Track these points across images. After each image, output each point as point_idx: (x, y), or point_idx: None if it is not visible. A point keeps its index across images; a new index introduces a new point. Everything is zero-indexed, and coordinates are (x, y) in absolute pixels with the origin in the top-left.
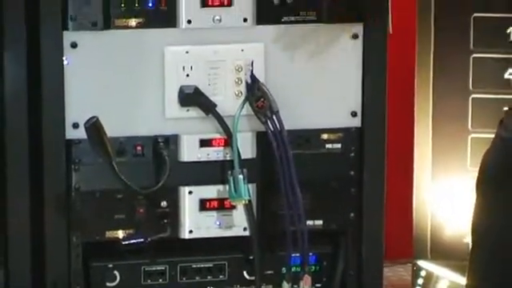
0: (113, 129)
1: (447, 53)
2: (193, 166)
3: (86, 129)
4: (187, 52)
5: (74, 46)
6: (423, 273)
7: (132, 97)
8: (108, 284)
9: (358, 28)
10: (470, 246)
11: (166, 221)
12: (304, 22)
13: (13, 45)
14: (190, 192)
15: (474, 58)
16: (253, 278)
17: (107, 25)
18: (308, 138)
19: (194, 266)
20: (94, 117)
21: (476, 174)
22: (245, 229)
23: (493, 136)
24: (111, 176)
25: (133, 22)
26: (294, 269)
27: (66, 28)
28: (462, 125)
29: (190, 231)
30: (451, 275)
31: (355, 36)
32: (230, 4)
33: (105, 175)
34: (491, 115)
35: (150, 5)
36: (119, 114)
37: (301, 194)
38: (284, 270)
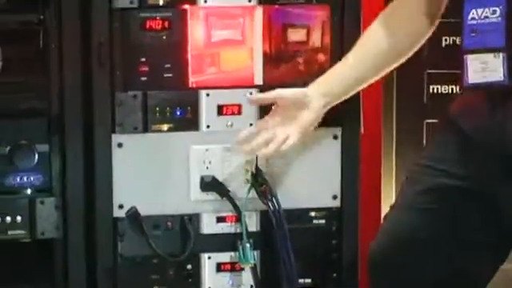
0: (149, 209)
1: (405, 150)
2: (211, 238)
3: (127, 216)
4: (207, 150)
5: (120, 145)
6: None
7: (164, 184)
8: None
9: (338, 130)
10: None
11: (190, 280)
12: None
13: (72, 144)
14: (209, 257)
15: None
16: None
17: (145, 129)
18: (299, 215)
19: None
20: (133, 207)
21: None
22: (251, 286)
23: None
24: (148, 246)
25: (165, 126)
26: None
27: (114, 131)
28: None
29: None
30: None
31: (335, 137)
32: (239, 113)
33: (143, 245)
34: None
35: (178, 113)
36: (154, 197)
37: (294, 258)
38: None
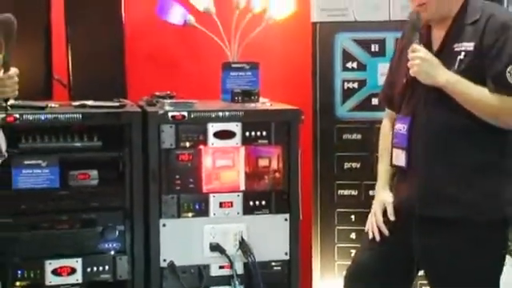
0: (180, 261)
1: (325, 227)
2: (216, 278)
3: (168, 266)
4: (213, 227)
5: (164, 225)
6: None
7: (189, 247)
8: None
9: (287, 216)
10: None
11: None
12: (263, 213)
13: (137, 225)
14: None
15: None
16: None
17: (179, 216)
18: (265, 264)
19: None
20: (171, 260)
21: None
22: None
23: None
24: (180, 284)
25: (190, 214)
26: None
27: (161, 217)
28: (332, 256)
29: None
30: None
31: (286, 219)
32: (232, 206)
33: (177, 283)
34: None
35: (197, 207)
36: (183, 255)
37: None
38: None
